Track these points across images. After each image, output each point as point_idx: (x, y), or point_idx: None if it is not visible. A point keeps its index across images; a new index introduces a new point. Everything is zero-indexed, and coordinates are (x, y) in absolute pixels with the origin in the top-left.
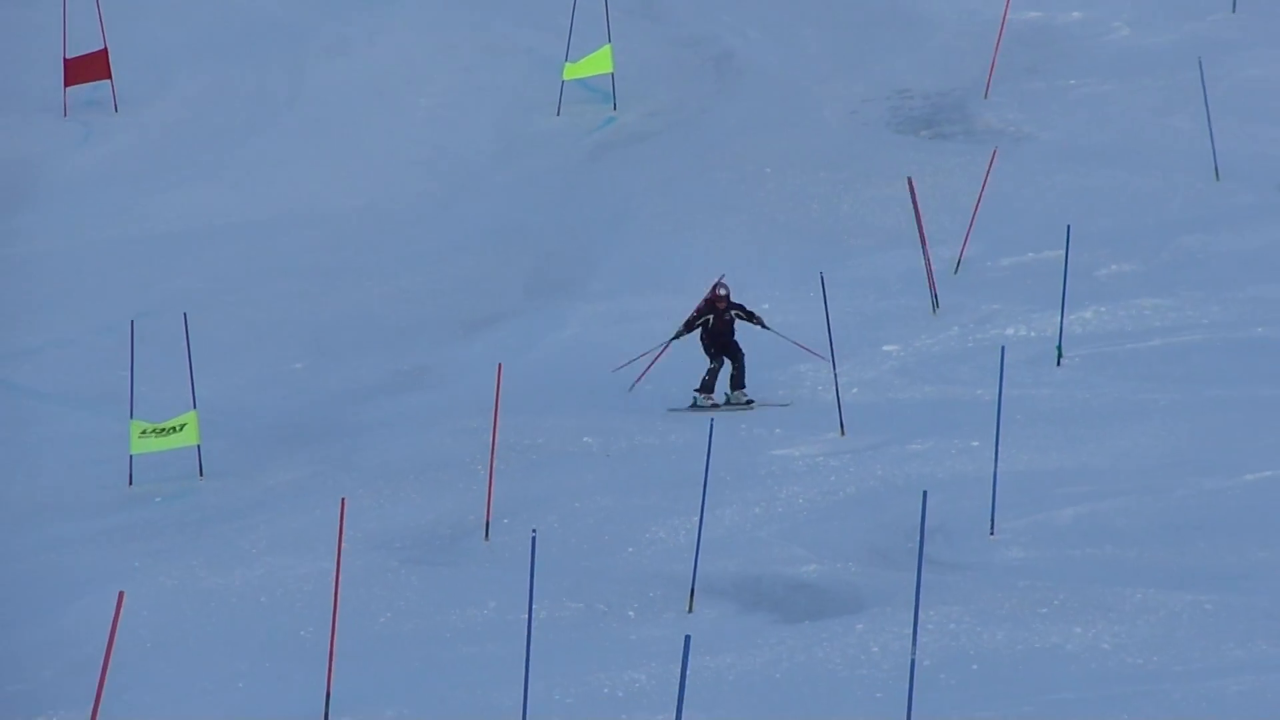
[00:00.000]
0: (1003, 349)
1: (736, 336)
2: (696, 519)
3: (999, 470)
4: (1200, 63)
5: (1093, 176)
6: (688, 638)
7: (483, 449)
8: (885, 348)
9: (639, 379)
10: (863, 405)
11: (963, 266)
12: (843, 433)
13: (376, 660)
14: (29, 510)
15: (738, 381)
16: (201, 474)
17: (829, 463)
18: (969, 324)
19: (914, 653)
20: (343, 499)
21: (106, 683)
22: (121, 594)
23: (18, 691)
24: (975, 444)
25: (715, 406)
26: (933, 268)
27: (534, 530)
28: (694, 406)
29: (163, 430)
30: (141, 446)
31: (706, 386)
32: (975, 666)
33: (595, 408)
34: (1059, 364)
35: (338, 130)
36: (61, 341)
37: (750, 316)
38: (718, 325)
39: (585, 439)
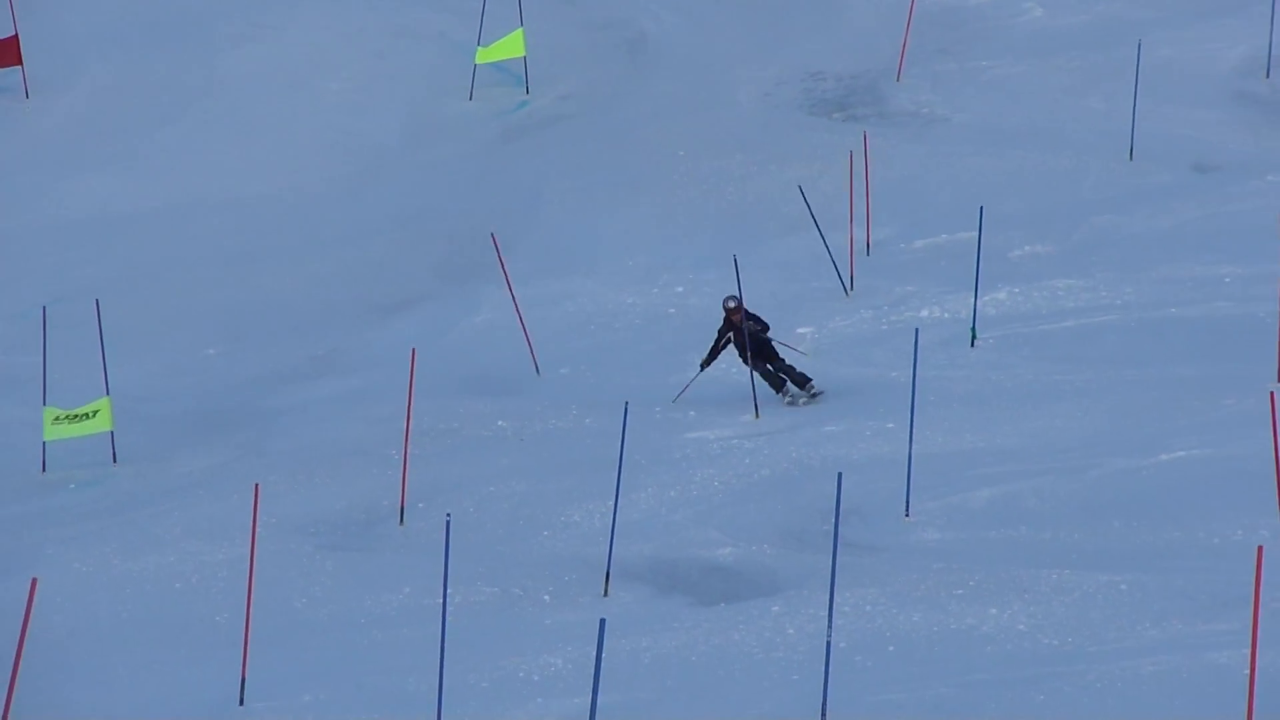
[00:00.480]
0: (916, 331)
1: (771, 346)
2: (612, 503)
3: (913, 452)
4: (1139, 44)
5: (1006, 157)
6: (603, 621)
7: (396, 434)
8: (799, 330)
9: (681, 393)
10: None
11: (875, 249)
12: (757, 415)
13: (292, 646)
14: None
15: (798, 380)
16: (115, 460)
17: (743, 445)
18: (883, 306)
19: (830, 635)
20: (256, 485)
21: (20, 669)
22: (34, 580)
23: None
24: (890, 426)
25: (812, 396)
26: (851, 250)
27: (448, 515)
28: (791, 402)
29: (76, 416)
30: (55, 433)
31: (781, 387)
32: (891, 648)
33: (509, 392)
34: (973, 345)
35: (249, 116)
36: None
37: (759, 327)
38: (740, 339)
39: (500, 423)
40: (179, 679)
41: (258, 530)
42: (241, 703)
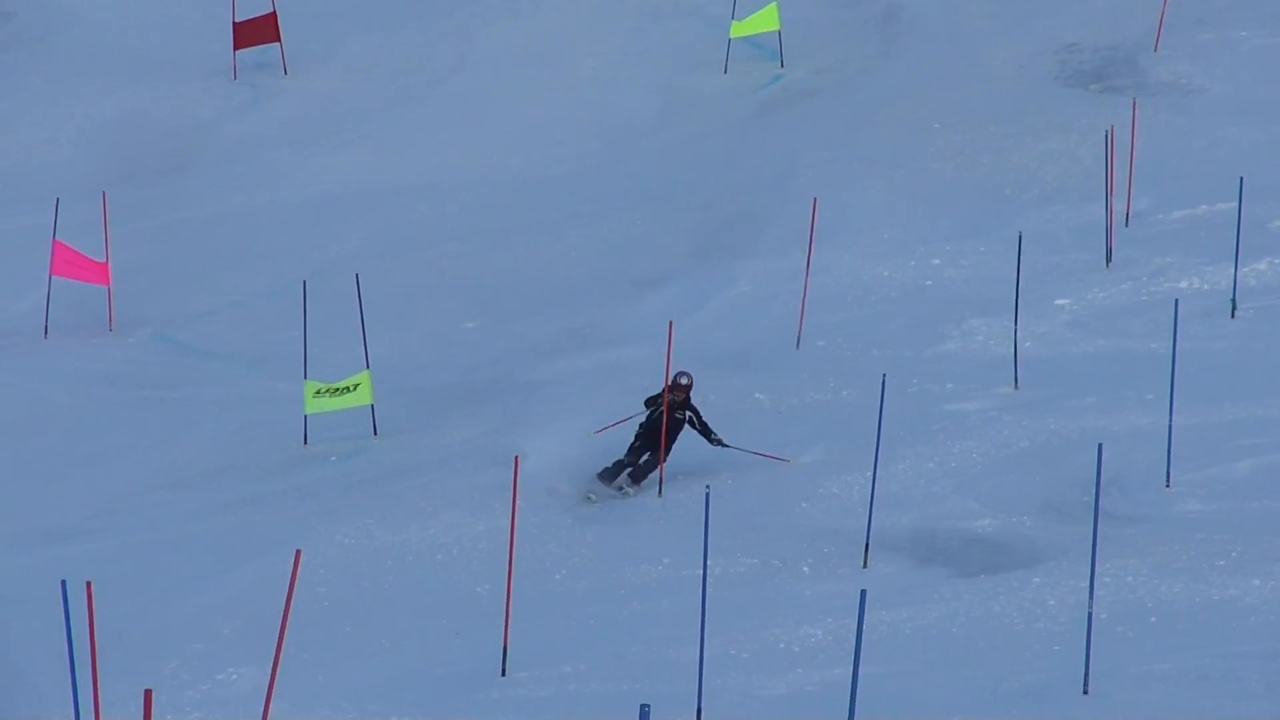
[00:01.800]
0: (1176, 302)
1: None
2: (870, 474)
3: (1174, 423)
4: None
5: (1266, 128)
6: (863, 592)
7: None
8: (1057, 301)
9: (605, 429)
10: (1035, 359)
11: (1134, 220)
12: (1016, 386)
13: (552, 617)
14: (206, 471)
15: (638, 476)
16: (376, 433)
17: (1002, 417)
18: (1141, 277)
19: (1091, 606)
20: (516, 456)
21: (285, 642)
22: (299, 553)
23: (199, 650)
24: (1149, 397)
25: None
26: (1110, 221)
27: (708, 487)
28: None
29: (336, 390)
30: (316, 406)
31: (608, 479)
32: (1153, 619)
33: (766, 366)
34: (1233, 316)
35: (504, 93)
36: (234, 303)
37: (704, 429)
38: (658, 413)
39: (757, 395)
40: (441, 650)
41: (517, 502)
42: (504, 673)
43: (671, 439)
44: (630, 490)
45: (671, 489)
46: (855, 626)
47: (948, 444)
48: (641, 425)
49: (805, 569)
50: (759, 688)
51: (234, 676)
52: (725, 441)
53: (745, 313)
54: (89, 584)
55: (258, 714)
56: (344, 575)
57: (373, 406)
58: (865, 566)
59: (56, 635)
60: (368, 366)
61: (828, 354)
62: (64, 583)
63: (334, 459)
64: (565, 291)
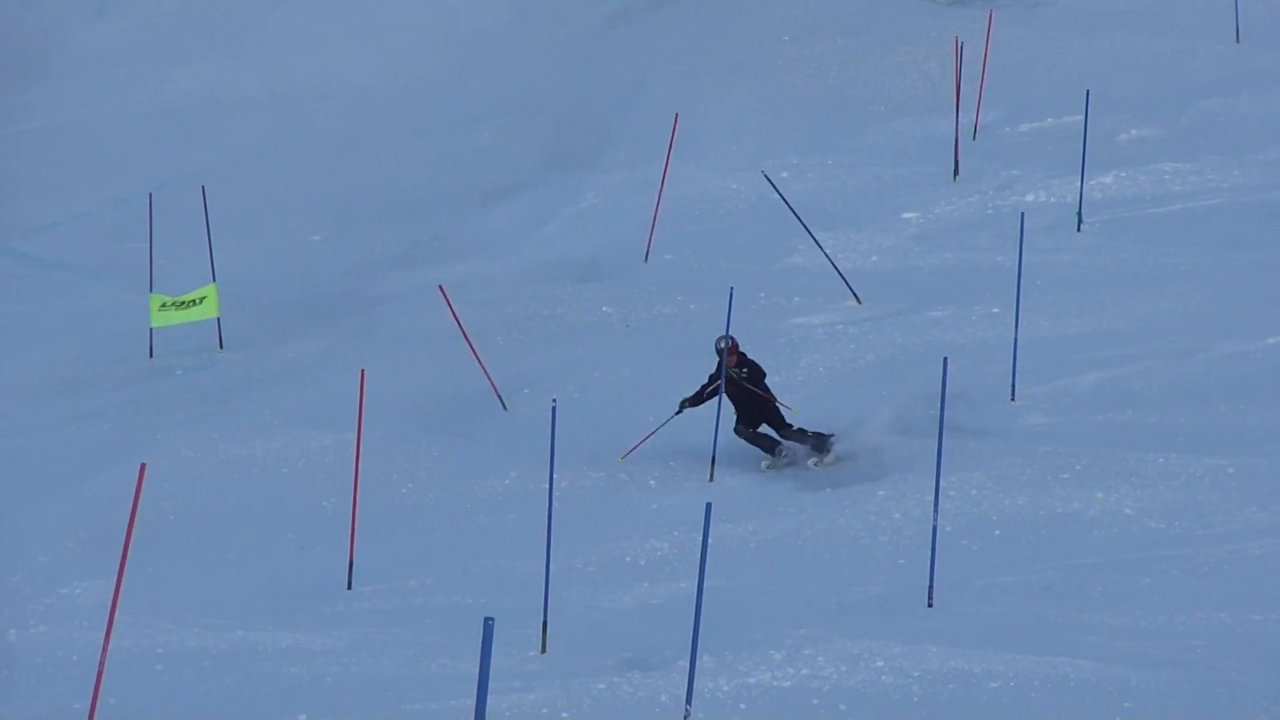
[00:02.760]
0: (1022, 215)
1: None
2: (718, 385)
3: (1019, 336)
4: None
5: (1112, 40)
6: (709, 505)
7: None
8: (904, 215)
9: (631, 450)
10: (882, 273)
11: (981, 133)
12: (860, 300)
13: (398, 531)
14: (51, 384)
15: (815, 442)
16: (221, 346)
17: (848, 331)
18: (988, 191)
19: (936, 519)
20: (362, 370)
21: (130, 555)
22: (143, 465)
23: (44, 563)
24: (995, 310)
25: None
26: (957, 135)
27: (554, 400)
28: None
29: (182, 303)
30: (161, 319)
31: (768, 448)
32: (998, 532)
33: (614, 277)
34: (1079, 229)
35: (355, 3)
36: (80, 214)
37: (758, 384)
38: (732, 389)
39: (604, 309)
40: (287, 564)
41: (363, 416)
42: (350, 587)
43: (756, 398)
44: (826, 454)
45: (518, 402)
46: (701, 540)
47: (795, 358)
48: (735, 409)
49: (652, 482)
50: (605, 600)
51: (78, 590)
52: (776, 399)
53: (594, 226)
54: None
55: (100, 625)
56: (189, 489)
57: (219, 320)
58: (712, 480)
59: None
60: (214, 279)
61: (676, 267)
62: None
63: (180, 372)
64: (414, 204)
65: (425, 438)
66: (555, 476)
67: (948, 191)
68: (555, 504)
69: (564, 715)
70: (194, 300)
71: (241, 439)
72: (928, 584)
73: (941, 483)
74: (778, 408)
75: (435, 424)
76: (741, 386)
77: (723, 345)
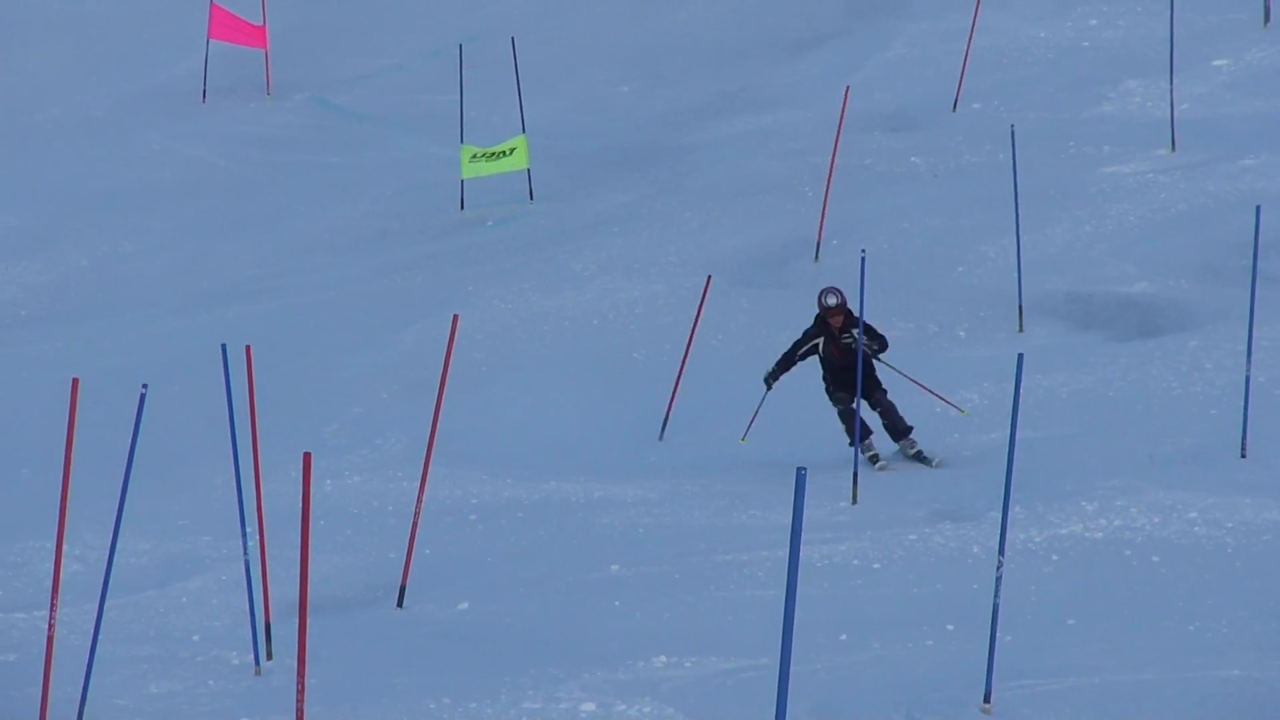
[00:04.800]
0: None
1: (874, 372)
2: (1027, 237)
3: None
4: None
5: None
6: (1020, 356)
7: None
8: (1215, 62)
9: (747, 430)
10: (1193, 120)
11: None
12: (1173, 148)
13: (710, 383)
14: (364, 235)
15: (896, 429)
16: (531, 197)
17: (1159, 179)
18: None
19: (1249, 369)
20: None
21: (444, 401)
22: (456, 317)
23: (358, 414)
24: None
25: (881, 465)
26: None
27: (863, 251)
28: (882, 465)
29: (493, 154)
30: (472, 171)
31: (857, 433)
32: None
33: (922, 127)
34: None
35: None
36: (391, 66)
37: (875, 342)
38: (832, 353)
39: (912, 159)
40: (600, 414)
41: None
42: (661, 438)
43: (862, 375)
44: (910, 449)
45: (828, 253)
46: (1012, 391)
47: (1104, 207)
48: (824, 378)
49: (961, 333)
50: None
51: (392, 441)
52: (887, 362)
53: (901, 75)
54: (248, 348)
55: (414, 476)
56: (500, 340)
57: (529, 171)
58: (1021, 330)
59: (218, 398)
60: (524, 130)
61: (984, 116)
62: (224, 346)
63: (490, 223)
64: (720, 54)
65: (734, 289)
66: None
67: (1258, 37)
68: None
69: (876, 566)
70: (504, 151)
71: (551, 290)
72: (1241, 435)
73: (1254, 333)
74: (875, 375)
75: (745, 275)
76: (840, 349)
77: (831, 301)
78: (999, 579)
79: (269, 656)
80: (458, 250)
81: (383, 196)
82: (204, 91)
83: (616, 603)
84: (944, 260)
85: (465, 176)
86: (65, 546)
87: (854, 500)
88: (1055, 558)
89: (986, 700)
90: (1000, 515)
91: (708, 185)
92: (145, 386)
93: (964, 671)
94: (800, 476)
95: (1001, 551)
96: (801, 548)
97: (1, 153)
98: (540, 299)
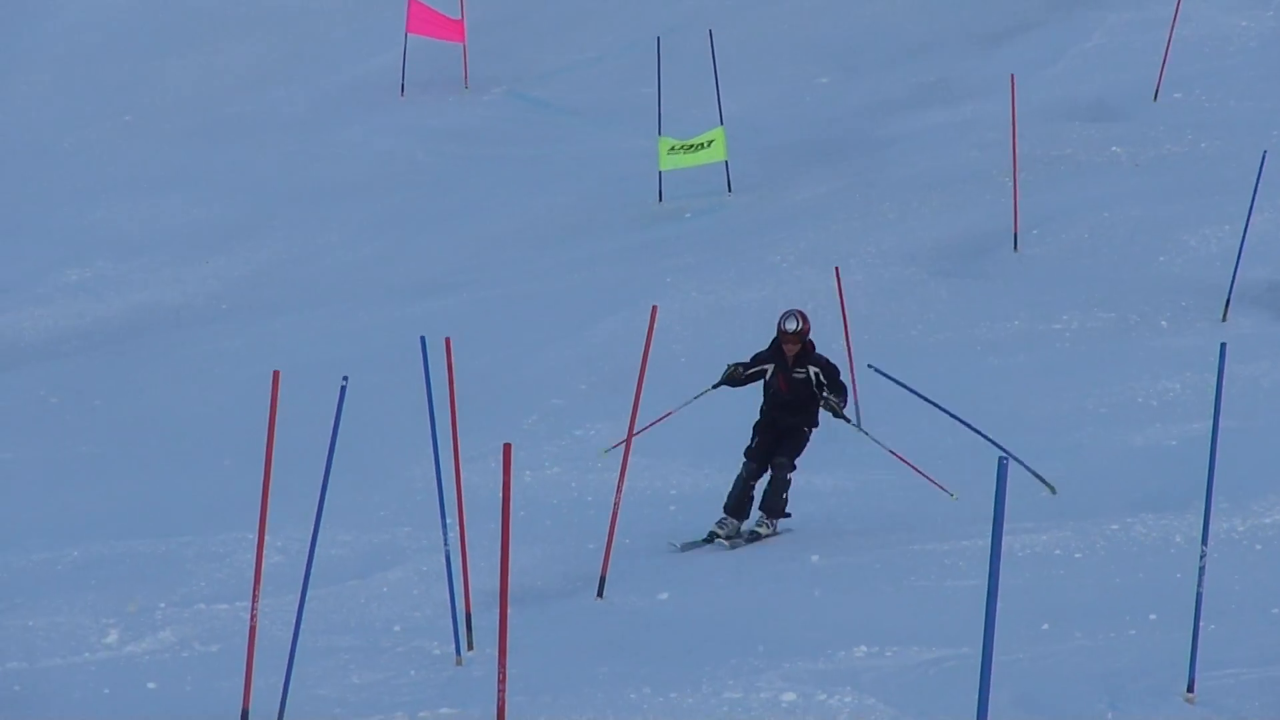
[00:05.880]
0: None
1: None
2: (1227, 227)
3: None
4: None
5: None
6: (1223, 345)
7: (1007, 160)
8: None
9: (619, 444)
10: None
11: None
12: None
13: (907, 372)
14: (561, 228)
15: (768, 506)
16: (730, 189)
17: None
18: None
19: None
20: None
21: (643, 394)
22: (655, 308)
23: (557, 406)
24: None
25: (721, 537)
26: None
27: (836, 267)
28: (707, 540)
29: (691, 146)
30: (670, 163)
31: (730, 505)
32: None
33: (1122, 116)
34: None
35: None
36: (589, 60)
37: (835, 393)
38: (779, 385)
39: (1113, 149)
40: None
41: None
42: (860, 427)
43: (791, 422)
44: (766, 528)
45: (1027, 243)
46: (1214, 381)
47: None
48: (763, 409)
49: (1163, 323)
50: (1119, 440)
51: (591, 432)
52: (848, 418)
53: (1101, 64)
54: (448, 340)
55: (614, 466)
56: (698, 332)
57: (727, 163)
58: (1224, 320)
59: (417, 390)
60: (721, 123)
61: (1185, 106)
62: (423, 338)
63: (689, 215)
64: (919, 46)
65: (933, 280)
66: (1065, 318)
67: None
68: (1064, 345)
69: (1077, 555)
70: (702, 144)
71: (749, 282)
72: None
73: None
74: (807, 433)
75: (944, 266)
76: (792, 382)
77: (790, 326)
78: (1202, 568)
79: (470, 647)
80: (655, 242)
81: (580, 189)
82: (402, 85)
83: (816, 593)
84: (1145, 250)
85: (663, 169)
86: (267, 538)
87: (1054, 490)
88: (1259, 547)
89: (1190, 690)
90: (1203, 505)
91: (906, 176)
92: (346, 379)
93: (1167, 661)
94: (1002, 465)
95: (1205, 541)
96: (1003, 537)
97: (201, 147)
98: (738, 291)
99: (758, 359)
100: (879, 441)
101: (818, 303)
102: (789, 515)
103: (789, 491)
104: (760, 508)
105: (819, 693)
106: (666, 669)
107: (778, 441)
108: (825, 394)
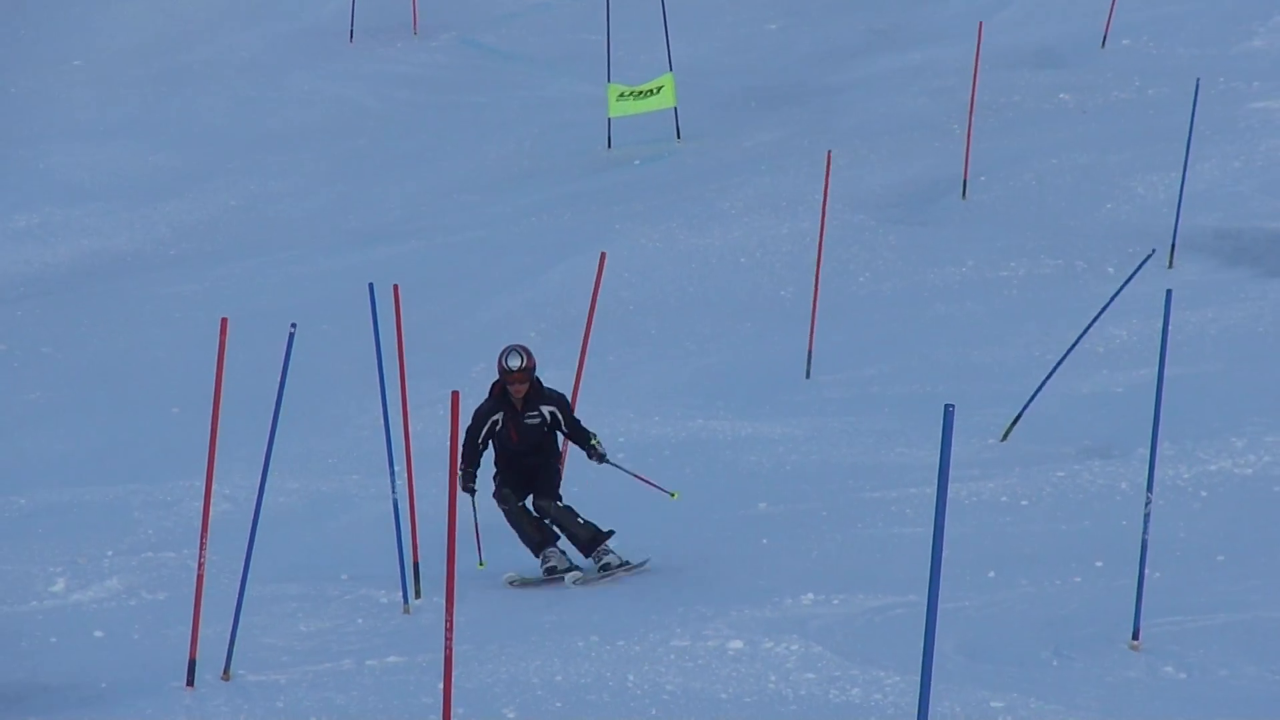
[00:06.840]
0: None
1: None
2: (1174, 174)
3: None
4: None
5: None
6: (1169, 292)
7: (958, 108)
8: None
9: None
10: None
11: None
12: None
13: (856, 320)
14: (511, 174)
15: (582, 540)
16: (679, 136)
17: None
18: None
19: None
20: (829, 153)
21: (589, 343)
22: (603, 255)
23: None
24: None
25: (576, 578)
26: None
27: (602, 253)
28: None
29: (640, 93)
30: (619, 109)
31: (539, 545)
32: None
33: (1070, 63)
34: None
35: None
36: (538, 6)
37: (575, 434)
38: (510, 436)
39: (1061, 95)
40: (746, 353)
41: (818, 204)
42: (808, 375)
43: (552, 456)
44: (603, 563)
45: (975, 189)
46: (1160, 327)
47: (1254, 143)
48: (498, 459)
49: (1110, 269)
50: (1065, 388)
51: (540, 378)
52: (605, 454)
53: (1049, 11)
54: (396, 287)
55: None
56: (647, 278)
57: (676, 109)
58: (1171, 267)
59: (366, 338)
60: (670, 69)
61: (1133, 53)
62: (371, 285)
63: (638, 162)
64: None
65: (882, 227)
66: (1012, 264)
67: None
68: (1012, 292)
69: (1024, 503)
70: (651, 90)
71: (698, 228)
72: None
73: None
74: (558, 469)
75: (893, 214)
76: (523, 429)
77: (513, 364)
78: (1148, 515)
79: (417, 595)
80: (605, 189)
81: (530, 136)
82: (351, 32)
83: (764, 540)
84: (1092, 197)
85: (612, 115)
86: (214, 486)
87: (1003, 437)
88: (1204, 494)
89: (1135, 637)
90: (1149, 452)
91: (855, 123)
92: (294, 326)
93: (1112, 608)
94: (948, 413)
95: (1150, 488)
96: (949, 485)
97: (151, 94)
98: (687, 237)
99: (479, 415)
100: (633, 473)
101: (766, 250)
102: (613, 533)
103: (581, 513)
104: (581, 548)
105: (766, 640)
106: (614, 618)
107: (530, 482)
108: (593, 442)
